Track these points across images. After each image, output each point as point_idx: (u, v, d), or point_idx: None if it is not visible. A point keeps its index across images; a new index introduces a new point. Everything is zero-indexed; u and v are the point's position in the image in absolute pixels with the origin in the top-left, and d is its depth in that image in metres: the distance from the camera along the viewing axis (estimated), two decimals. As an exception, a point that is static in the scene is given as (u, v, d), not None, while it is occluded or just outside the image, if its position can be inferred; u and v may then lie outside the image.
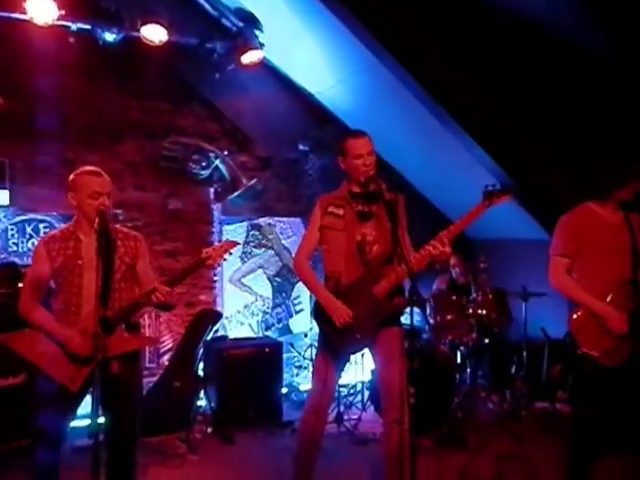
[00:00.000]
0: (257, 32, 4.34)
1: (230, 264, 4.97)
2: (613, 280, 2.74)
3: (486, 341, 4.57)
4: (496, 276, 4.73)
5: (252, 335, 5.12)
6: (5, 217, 4.18)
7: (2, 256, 4.13)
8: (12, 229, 4.22)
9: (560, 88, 4.07)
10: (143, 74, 4.49)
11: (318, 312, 2.82)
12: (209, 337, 4.50)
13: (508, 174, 4.60)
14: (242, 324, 5.15)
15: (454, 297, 4.53)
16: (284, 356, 4.68)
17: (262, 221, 5.27)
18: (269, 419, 4.33)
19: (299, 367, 5.37)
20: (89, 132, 4.45)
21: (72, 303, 2.46)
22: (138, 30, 4.00)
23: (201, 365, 4.49)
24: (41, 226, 4.29)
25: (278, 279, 5.36)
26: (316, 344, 3.06)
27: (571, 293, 2.80)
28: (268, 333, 5.23)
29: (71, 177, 2.52)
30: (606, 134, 3.91)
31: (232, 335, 4.94)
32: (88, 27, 3.94)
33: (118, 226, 2.71)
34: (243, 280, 5.19)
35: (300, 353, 5.27)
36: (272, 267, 5.33)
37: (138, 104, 4.66)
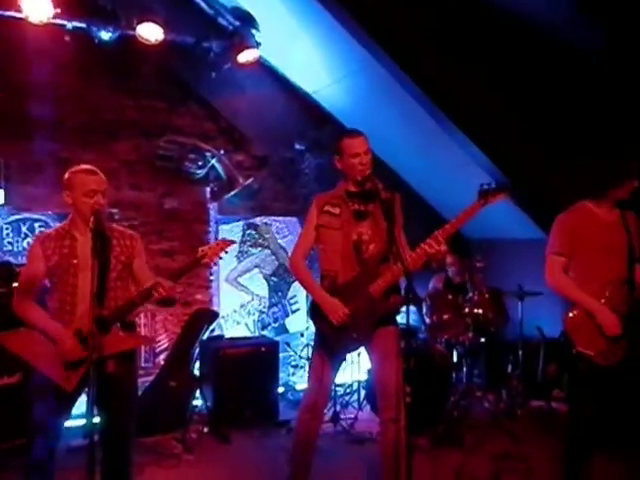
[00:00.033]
0: (253, 31, 4.34)
1: (226, 263, 4.96)
2: (609, 279, 2.74)
3: (482, 340, 4.57)
4: (492, 275, 4.74)
5: (248, 334, 5.11)
6: (0, 216, 4.16)
7: (-3, 255, 4.12)
8: (7, 228, 4.20)
9: (557, 87, 4.09)
10: (139, 73, 4.48)
11: (314, 311, 2.83)
12: (205, 336, 4.50)
13: (504, 173, 4.61)
14: (238, 323, 5.15)
15: (450, 296, 4.54)
16: (280, 355, 4.68)
17: (258, 220, 5.26)
18: (265, 418, 4.33)
19: (295, 366, 5.37)
20: (84, 131, 4.43)
21: (67, 302, 2.45)
22: (134, 28, 3.99)
23: (197, 364, 4.48)
24: (36, 225, 4.28)
25: (274, 278, 5.35)
26: (312, 343, 3.05)
27: (567, 292, 2.80)
28: (264, 332, 5.22)
29: (66, 175, 2.51)
30: (602, 133, 3.92)
31: (228, 334, 4.93)
32: (84, 25, 3.93)
33: (114, 225, 2.70)
34: (239, 279, 5.18)
35: (296, 352, 5.27)
36: (268, 266, 5.32)
37: (134, 103, 4.64)
